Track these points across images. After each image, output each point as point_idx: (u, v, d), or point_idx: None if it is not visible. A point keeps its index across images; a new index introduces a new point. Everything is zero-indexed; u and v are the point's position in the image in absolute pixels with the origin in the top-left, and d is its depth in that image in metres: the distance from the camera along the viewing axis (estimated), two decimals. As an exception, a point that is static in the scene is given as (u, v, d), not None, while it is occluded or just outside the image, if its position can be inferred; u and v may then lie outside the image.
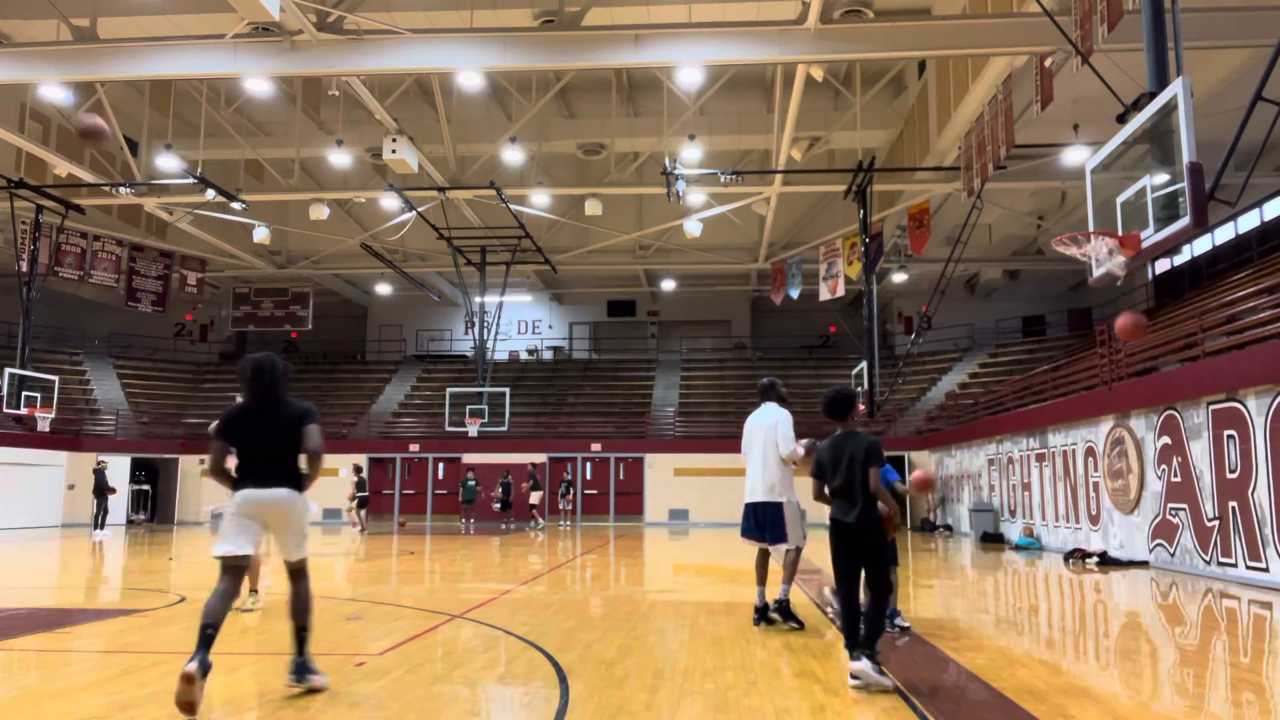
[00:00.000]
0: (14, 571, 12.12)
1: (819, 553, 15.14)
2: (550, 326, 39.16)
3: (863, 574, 5.14)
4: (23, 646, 6.35)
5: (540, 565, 13.32)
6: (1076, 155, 19.16)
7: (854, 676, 4.94)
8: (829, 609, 7.90)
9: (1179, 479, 12.12)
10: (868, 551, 5.11)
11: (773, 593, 7.27)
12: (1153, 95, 7.69)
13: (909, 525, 26.14)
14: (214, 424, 5.09)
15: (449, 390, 28.23)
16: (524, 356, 38.32)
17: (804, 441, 7.21)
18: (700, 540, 19.91)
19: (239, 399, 5.16)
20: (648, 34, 15.92)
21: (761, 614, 7.16)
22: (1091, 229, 7.97)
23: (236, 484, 5.03)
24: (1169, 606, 8.78)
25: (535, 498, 25.73)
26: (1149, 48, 8.39)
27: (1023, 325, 34.43)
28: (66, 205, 24.34)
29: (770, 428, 7.18)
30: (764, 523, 7.10)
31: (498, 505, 26.35)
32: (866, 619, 5.05)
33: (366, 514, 23.13)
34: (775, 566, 7.41)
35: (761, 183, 24.28)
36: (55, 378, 25.47)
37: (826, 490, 5.31)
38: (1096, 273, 7.91)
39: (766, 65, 22.32)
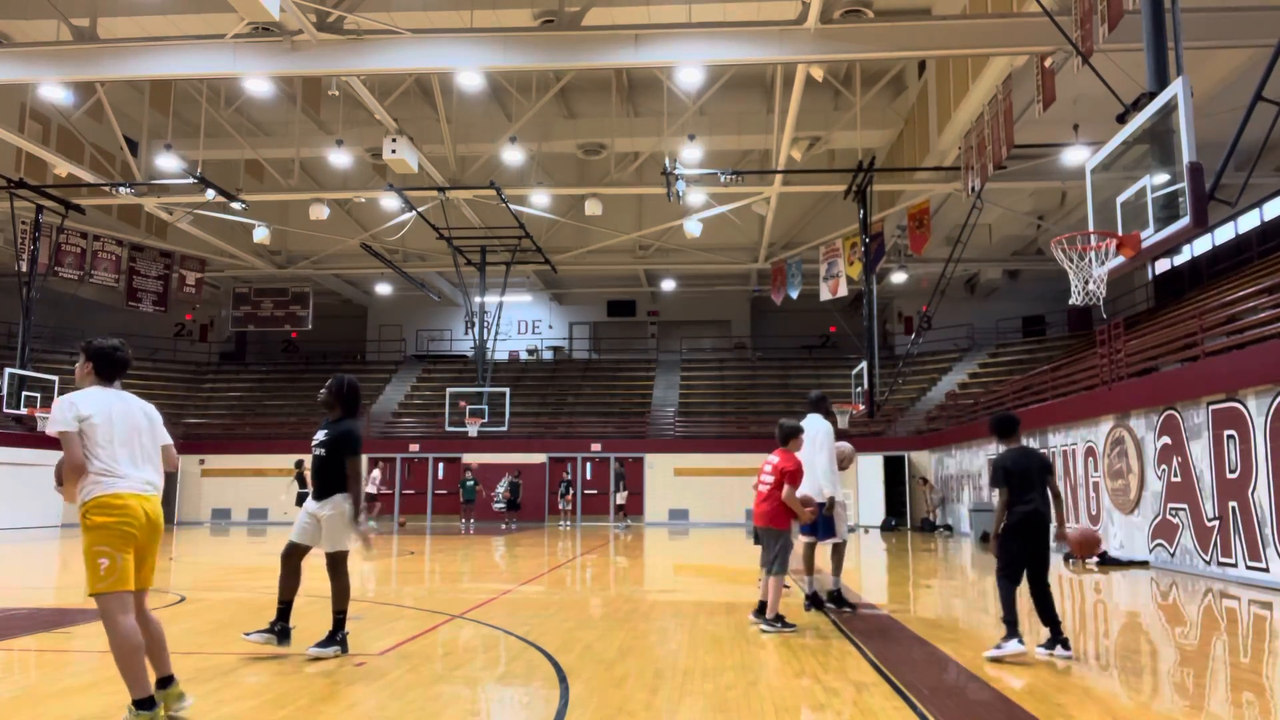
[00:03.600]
0: (14, 571, 12.12)
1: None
2: (550, 326, 39.16)
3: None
4: (23, 646, 6.35)
5: (540, 565, 13.32)
6: (1076, 155, 19.15)
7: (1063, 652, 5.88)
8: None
9: (1179, 479, 12.12)
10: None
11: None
12: (1153, 95, 7.69)
13: (908, 525, 26.15)
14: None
15: (449, 390, 28.23)
16: (524, 356, 38.33)
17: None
18: (700, 540, 19.91)
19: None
20: (648, 34, 15.92)
21: (812, 600, 8.01)
22: (1091, 229, 7.97)
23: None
24: (1169, 606, 8.78)
25: (621, 498, 25.75)
26: (1149, 48, 8.39)
27: (1023, 325, 34.43)
28: (66, 205, 24.34)
29: (811, 438, 7.74)
30: (816, 520, 7.70)
31: (500, 505, 26.32)
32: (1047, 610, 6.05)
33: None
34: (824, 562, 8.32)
35: (761, 183, 24.27)
36: (55, 378, 25.46)
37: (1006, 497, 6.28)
38: (1076, 298, 7.94)
39: (766, 65, 22.32)
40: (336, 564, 6.02)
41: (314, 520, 5.97)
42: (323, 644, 5.89)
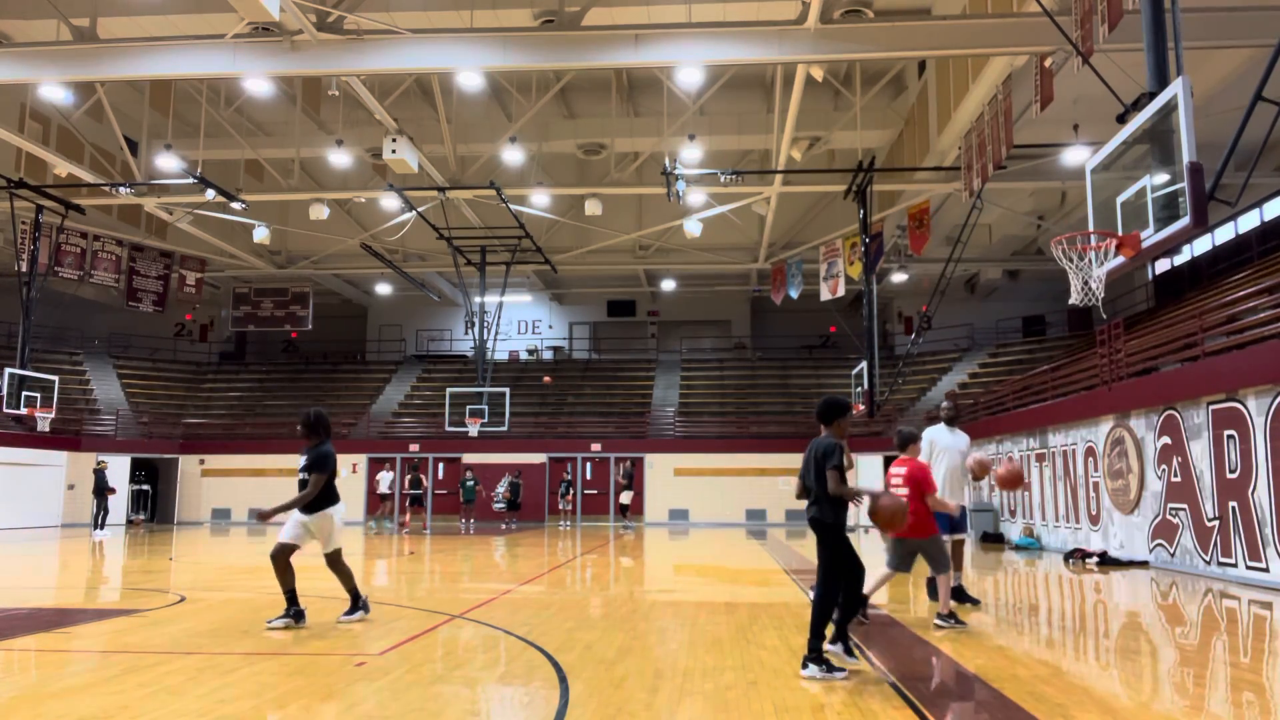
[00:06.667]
0: (14, 571, 12.13)
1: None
2: (550, 326, 39.15)
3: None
4: (23, 646, 6.35)
5: (540, 565, 13.32)
6: (1076, 155, 19.15)
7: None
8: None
9: (1179, 479, 12.12)
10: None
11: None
12: (1153, 95, 7.69)
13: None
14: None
15: (449, 390, 28.23)
16: (524, 356, 38.32)
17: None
18: (700, 540, 19.91)
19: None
20: (648, 34, 15.92)
21: (957, 594, 8.56)
22: (1091, 229, 7.97)
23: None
24: (1169, 606, 8.78)
25: (626, 497, 25.73)
26: (1149, 48, 8.38)
27: (1023, 325, 34.43)
28: (66, 205, 24.34)
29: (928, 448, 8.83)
30: (956, 519, 8.61)
31: (500, 505, 26.33)
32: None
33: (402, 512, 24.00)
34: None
35: (761, 183, 24.27)
36: (55, 378, 25.47)
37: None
38: (1076, 297, 7.96)
39: (766, 65, 22.32)
40: (334, 560, 7.41)
41: (304, 527, 7.20)
42: (348, 613, 7.43)
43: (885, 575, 7.26)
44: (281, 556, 7.08)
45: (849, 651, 5.44)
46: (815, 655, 5.25)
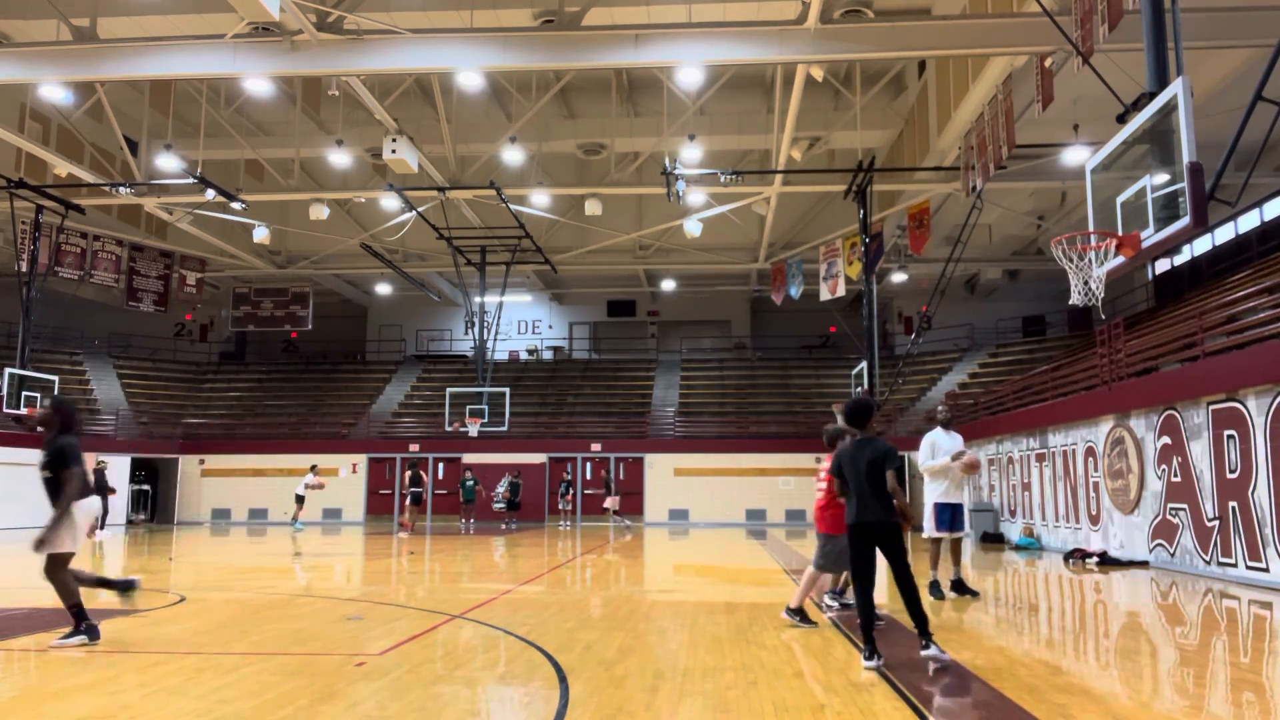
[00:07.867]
0: (14, 571, 12.13)
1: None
2: (550, 326, 39.16)
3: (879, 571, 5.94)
4: (23, 646, 6.35)
5: (540, 565, 13.32)
6: (1076, 155, 19.15)
7: (933, 660, 5.57)
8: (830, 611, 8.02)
9: (1179, 479, 12.12)
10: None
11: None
12: (1153, 95, 7.69)
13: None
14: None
15: (449, 390, 28.23)
16: (524, 356, 38.32)
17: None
18: (700, 540, 19.91)
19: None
20: (648, 34, 15.92)
21: (935, 587, 8.98)
22: (1091, 229, 7.97)
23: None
24: (1169, 606, 8.78)
25: (609, 501, 25.66)
26: (1149, 48, 8.38)
27: (1023, 325, 34.43)
28: (66, 205, 24.33)
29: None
30: (955, 518, 9.17)
31: (500, 505, 26.34)
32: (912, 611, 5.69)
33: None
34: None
35: (761, 183, 24.27)
36: (55, 378, 25.46)
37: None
38: (1076, 297, 7.97)
39: (766, 65, 22.32)
40: (46, 568, 6.43)
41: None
42: (67, 636, 6.34)
43: (812, 575, 7.31)
44: (56, 570, 6.36)
45: (874, 653, 5.55)
46: (928, 639, 5.59)
